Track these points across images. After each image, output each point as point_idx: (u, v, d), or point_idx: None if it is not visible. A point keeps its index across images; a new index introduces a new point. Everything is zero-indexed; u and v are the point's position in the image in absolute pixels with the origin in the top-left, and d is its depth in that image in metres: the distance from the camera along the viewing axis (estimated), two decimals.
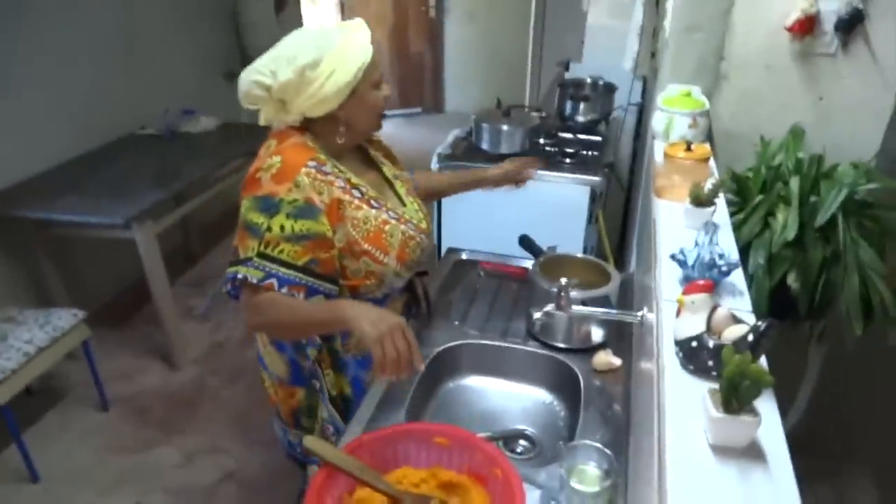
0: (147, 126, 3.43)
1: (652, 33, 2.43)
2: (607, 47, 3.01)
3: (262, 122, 1.33)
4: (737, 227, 1.51)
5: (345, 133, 1.32)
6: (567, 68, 3.35)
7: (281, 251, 1.21)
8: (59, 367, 2.67)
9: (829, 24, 1.62)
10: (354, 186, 1.33)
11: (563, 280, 1.33)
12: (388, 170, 1.50)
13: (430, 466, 1.13)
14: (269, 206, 1.21)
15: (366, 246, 1.30)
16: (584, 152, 2.57)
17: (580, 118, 2.81)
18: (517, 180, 1.78)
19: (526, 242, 1.70)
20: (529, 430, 1.43)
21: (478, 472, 1.10)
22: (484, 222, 2.45)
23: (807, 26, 1.61)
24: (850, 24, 1.60)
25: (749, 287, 1.44)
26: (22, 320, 2.37)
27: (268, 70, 1.24)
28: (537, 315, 1.39)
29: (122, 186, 2.71)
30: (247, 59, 4.75)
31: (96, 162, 3.02)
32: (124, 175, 2.84)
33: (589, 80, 2.94)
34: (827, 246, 1.47)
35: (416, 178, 1.66)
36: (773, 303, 1.49)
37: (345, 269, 1.31)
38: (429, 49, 6.59)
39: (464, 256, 1.91)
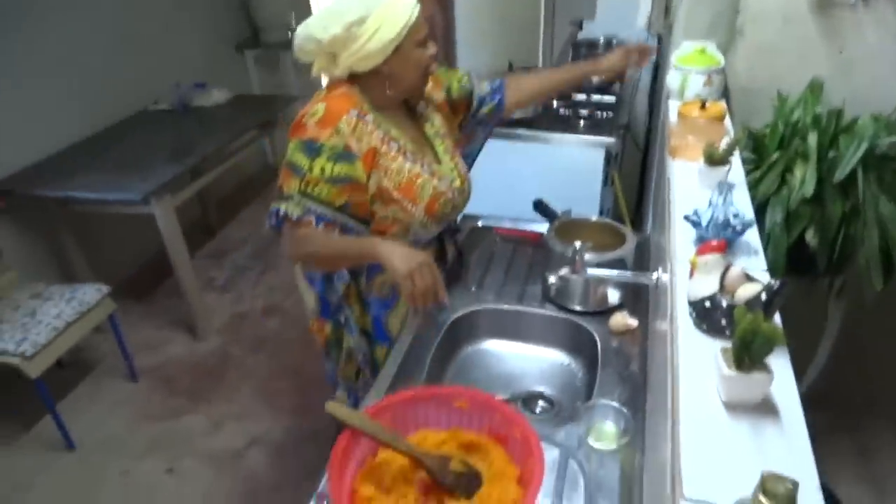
0: (160, 101, 3.44)
1: None
2: (620, 5, 2.95)
3: (313, 73, 1.39)
4: (753, 185, 1.50)
5: (390, 87, 1.38)
6: (580, 27, 3.30)
7: (320, 191, 1.31)
8: (88, 340, 2.75)
9: None
10: (393, 139, 1.40)
11: (578, 244, 1.34)
12: (431, 127, 1.54)
13: (451, 428, 1.15)
14: (312, 149, 1.31)
15: (396, 195, 1.39)
16: (599, 113, 2.54)
17: (594, 78, 2.76)
18: (635, 65, 1.71)
19: (541, 207, 1.70)
20: (548, 391, 1.45)
21: (497, 433, 1.12)
22: (499, 187, 2.44)
23: None
24: None
25: (766, 245, 1.44)
26: (49, 296, 2.43)
27: (320, 25, 1.29)
28: (552, 279, 1.40)
29: (138, 162, 2.74)
30: (256, 31, 4.73)
31: (112, 139, 3.05)
32: (140, 151, 2.87)
33: (602, 40, 2.89)
34: (846, 201, 1.46)
35: (508, 90, 1.68)
36: (791, 259, 1.49)
37: (374, 213, 1.40)
38: (439, 11, 6.48)
39: (479, 224, 1.92)
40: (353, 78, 1.39)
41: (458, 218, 1.75)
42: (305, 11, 5.10)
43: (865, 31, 1.63)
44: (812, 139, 1.45)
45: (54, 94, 2.90)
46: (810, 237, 1.44)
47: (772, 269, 1.42)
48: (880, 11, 1.60)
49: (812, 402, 2.02)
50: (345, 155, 1.31)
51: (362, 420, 1.07)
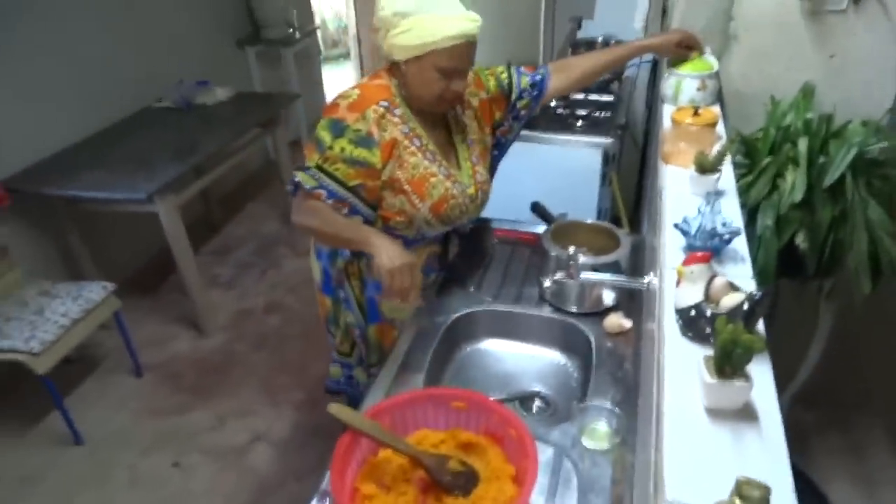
0: (163, 98, 3.47)
1: None
2: (619, 5, 2.97)
3: (373, 41, 1.46)
4: (745, 189, 1.54)
5: (405, 88, 1.44)
6: (579, 26, 3.31)
7: (336, 169, 1.39)
8: (94, 336, 2.79)
9: None
10: (416, 136, 1.47)
11: (572, 249, 1.37)
12: (460, 133, 1.59)
13: (449, 428, 1.19)
14: (337, 128, 1.39)
15: (406, 187, 1.46)
16: (597, 113, 2.57)
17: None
18: (687, 47, 1.71)
19: (538, 210, 1.73)
20: (544, 390, 1.49)
21: (494, 433, 1.16)
22: (497, 188, 2.47)
23: None
24: None
25: (757, 248, 1.48)
26: (56, 294, 2.47)
27: (385, 1, 1.37)
28: (547, 283, 1.44)
29: (142, 161, 2.77)
30: (257, 27, 4.75)
31: (116, 136, 3.08)
32: (144, 149, 2.90)
33: (601, 39, 2.91)
34: (835, 205, 1.49)
35: (552, 78, 1.70)
36: (782, 262, 1.52)
37: (382, 199, 1.47)
38: None
39: (474, 217, 1.95)
40: (393, 70, 1.45)
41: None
42: (306, 8, 5.12)
43: (856, 37, 1.66)
44: (802, 144, 1.49)
45: (58, 92, 2.93)
46: (800, 241, 1.48)
47: (762, 272, 1.47)
48: (871, 17, 1.63)
49: (804, 401, 2.07)
50: (366, 140, 1.39)
51: (363, 421, 1.11)
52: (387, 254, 1.32)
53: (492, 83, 1.64)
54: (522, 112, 1.70)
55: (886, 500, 1.94)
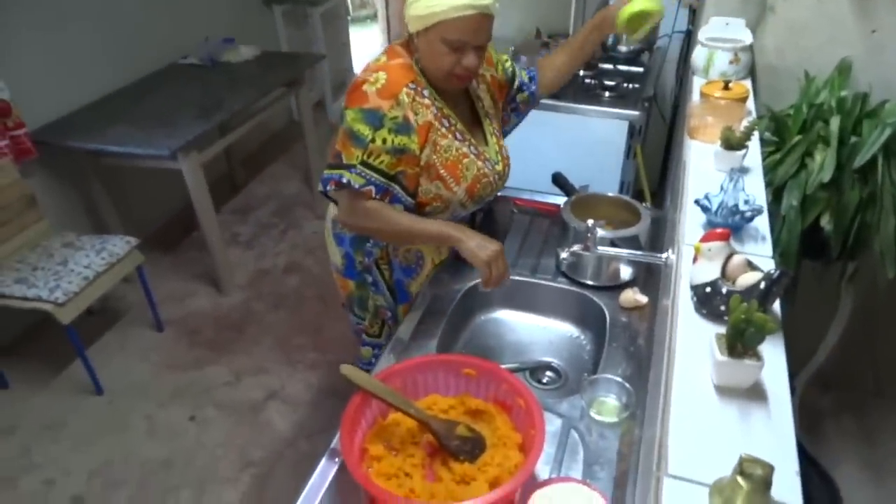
0: (189, 55, 3.47)
1: None
2: None
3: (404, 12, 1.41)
4: (772, 168, 1.50)
5: (420, 62, 1.39)
6: None
7: (381, 162, 1.34)
8: (116, 289, 2.84)
9: None
10: (445, 116, 1.42)
11: (590, 221, 1.36)
12: (483, 107, 1.55)
13: (459, 395, 1.20)
14: (375, 119, 1.32)
15: (442, 171, 1.42)
16: (625, 84, 2.52)
17: (622, 48, 2.73)
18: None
19: (559, 181, 1.71)
20: (556, 362, 1.49)
21: (503, 401, 1.17)
22: (519, 158, 2.43)
23: None
24: None
25: (780, 228, 1.45)
26: (80, 245, 2.52)
27: None
28: (564, 255, 1.42)
29: (167, 117, 2.78)
30: None
31: (142, 92, 3.09)
32: (169, 105, 2.91)
33: None
34: (864, 187, 1.45)
35: (541, 73, 1.68)
36: (805, 243, 1.49)
37: (418, 185, 1.43)
38: None
39: (498, 194, 1.93)
40: (409, 45, 1.40)
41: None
42: None
43: None
44: (834, 123, 1.44)
45: (86, 48, 2.94)
46: (825, 222, 1.45)
47: (785, 253, 1.45)
48: None
49: (821, 383, 2.05)
50: (404, 126, 1.34)
51: (374, 383, 1.12)
52: (475, 244, 1.33)
53: (499, 66, 1.61)
54: (522, 106, 1.68)
55: (895, 488, 1.93)
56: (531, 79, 1.67)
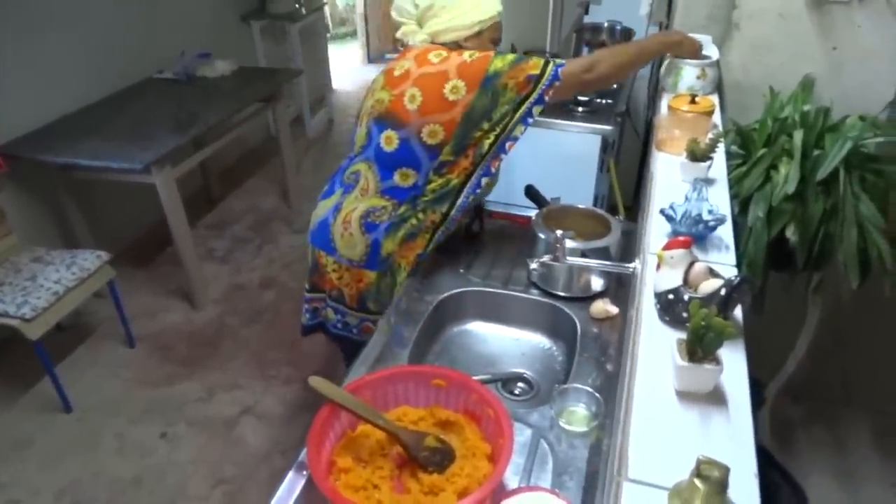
0: (164, 70, 3.46)
1: None
2: None
3: (398, 34, 1.60)
4: (739, 180, 1.53)
5: None
6: (587, 11, 3.28)
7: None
8: (88, 304, 2.81)
9: None
10: None
11: (559, 232, 1.37)
12: None
13: (429, 406, 1.20)
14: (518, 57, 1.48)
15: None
16: (598, 100, 2.55)
17: None
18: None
19: (532, 193, 1.73)
20: (528, 373, 1.49)
21: (472, 412, 1.16)
22: None
23: None
24: None
25: (747, 239, 1.48)
26: (50, 260, 2.48)
27: None
28: (533, 265, 1.43)
29: (141, 131, 2.77)
30: (262, 2, 4.71)
31: (116, 106, 3.07)
32: (143, 119, 2.90)
33: (606, 25, 2.89)
34: (827, 199, 1.49)
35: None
36: (772, 254, 1.52)
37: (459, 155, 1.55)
38: None
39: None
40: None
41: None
42: None
43: (860, 30, 1.65)
44: (797, 136, 1.47)
45: (60, 61, 2.91)
46: (791, 233, 1.47)
47: (752, 263, 1.47)
48: (875, 9, 1.61)
49: (792, 393, 2.07)
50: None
51: (342, 395, 1.11)
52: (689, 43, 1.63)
53: None
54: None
55: (865, 496, 1.95)
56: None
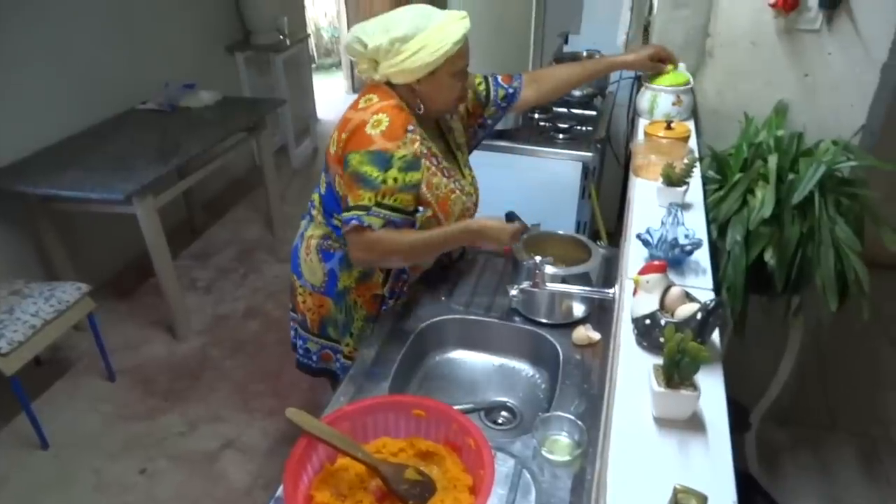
0: (148, 100, 3.46)
1: (648, 7, 2.42)
2: (604, 20, 2.99)
3: (357, 72, 1.51)
4: (716, 205, 1.54)
5: (421, 105, 1.45)
6: (566, 41, 3.34)
7: (396, 199, 1.38)
8: (66, 338, 2.76)
9: (813, 0, 1.62)
10: (433, 154, 1.49)
11: (538, 258, 1.37)
12: (453, 138, 1.61)
13: (409, 437, 1.18)
14: (383, 161, 1.36)
15: (436, 207, 1.47)
16: (579, 127, 2.58)
17: (576, 92, 2.81)
18: (660, 60, 1.76)
19: (512, 219, 1.72)
20: (511, 401, 1.48)
21: (453, 442, 1.15)
22: None
23: (791, 2, 1.61)
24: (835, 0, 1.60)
25: (726, 264, 1.48)
26: (28, 293, 2.44)
27: (369, 32, 1.38)
28: (513, 292, 1.43)
29: (123, 161, 2.75)
30: (247, 33, 4.75)
31: (98, 137, 3.06)
32: (125, 150, 2.88)
33: (585, 54, 2.93)
34: (804, 222, 1.50)
35: (525, 88, 1.73)
36: (752, 278, 1.52)
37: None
38: None
39: None
40: (394, 88, 1.45)
41: None
42: (298, 15, 5.14)
43: (830, 56, 1.68)
44: (772, 161, 1.49)
45: (42, 92, 2.91)
46: (769, 257, 1.48)
47: (731, 287, 1.47)
48: (844, 36, 1.65)
49: (776, 419, 2.07)
50: (414, 163, 1.39)
51: (321, 427, 1.09)
52: (494, 236, 1.39)
53: (470, 93, 1.65)
54: (489, 121, 1.73)
55: None
56: (506, 96, 1.71)
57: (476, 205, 1.64)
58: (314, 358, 1.76)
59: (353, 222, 1.38)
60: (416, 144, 1.40)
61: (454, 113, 1.61)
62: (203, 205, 4.07)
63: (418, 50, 1.35)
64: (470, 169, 1.65)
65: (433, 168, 1.46)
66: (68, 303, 2.44)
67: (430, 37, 1.35)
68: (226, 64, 4.40)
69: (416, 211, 1.44)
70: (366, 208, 1.37)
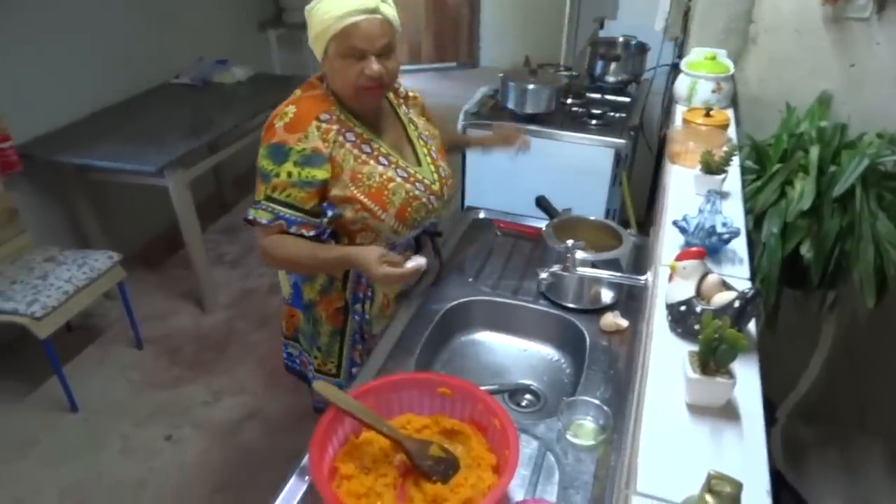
0: (181, 75, 3.49)
1: None
2: (642, 5, 2.93)
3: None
4: (753, 195, 1.51)
5: (331, 87, 1.36)
6: (602, 26, 3.29)
7: (288, 195, 1.31)
8: (97, 305, 2.82)
9: None
10: (365, 142, 1.38)
11: (570, 242, 1.36)
12: (414, 130, 1.53)
13: (434, 414, 1.18)
14: (279, 153, 1.30)
15: (366, 201, 1.36)
16: (612, 114, 2.54)
17: (610, 78, 2.77)
18: (504, 144, 1.83)
19: (543, 204, 1.72)
20: (535, 385, 1.48)
21: (478, 422, 1.15)
22: (506, 182, 2.46)
23: None
24: None
25: (761, 256, 1.46)
26: (62, 260, 2.49)
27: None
28: (543, 275, 1.42)
29: (156, 135, 2.79)
30: (280, 10, 4.76)
31: (133, 110, 3.10)
32: (159, 123, 2.92)
33: (621, 40, 2.88)
34: (844, 216, 1.46)
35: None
36: (786, 271, 1.50)
37: (343, 217, 1.37)
38: (465, 3, 6.47)
39: (481, 215, 1.94)
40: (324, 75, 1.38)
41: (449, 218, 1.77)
42: None
43: (878, 47, 1.63)
44: (814, 152, 1.46)
45: (78, 64, 2.95)
46: (805, 250, 1.45)
47: (766, 280, 1.45)
48: (894, 26, 1.59)
49: (805, 414, 2.04)
50: (313, 158, 1.30)
51: (347, 401, 1.10)
52: (364, 268, 1.28)
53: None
54: None
55: None
56: None
57: (440, 198, 1.50)
58: (297, 361, 1.75)
59: (247, 218, 1.34)
60: (329, 135, 1.32)
61: (369, 104, 1.40)
62: (233, 180, 4.10)
63: (310, 24, 1.29)
64: (434, 160, 1.51)
65: (363, 157, 1.36)
66: (100, 270, 2.48)
67: (319, 10, 1.26)
68: (258, 41, 4.42)
69: (321, 212, 1.35)
70: (256, 203, 1.32)
